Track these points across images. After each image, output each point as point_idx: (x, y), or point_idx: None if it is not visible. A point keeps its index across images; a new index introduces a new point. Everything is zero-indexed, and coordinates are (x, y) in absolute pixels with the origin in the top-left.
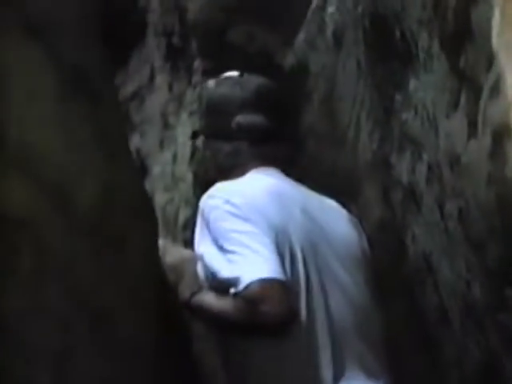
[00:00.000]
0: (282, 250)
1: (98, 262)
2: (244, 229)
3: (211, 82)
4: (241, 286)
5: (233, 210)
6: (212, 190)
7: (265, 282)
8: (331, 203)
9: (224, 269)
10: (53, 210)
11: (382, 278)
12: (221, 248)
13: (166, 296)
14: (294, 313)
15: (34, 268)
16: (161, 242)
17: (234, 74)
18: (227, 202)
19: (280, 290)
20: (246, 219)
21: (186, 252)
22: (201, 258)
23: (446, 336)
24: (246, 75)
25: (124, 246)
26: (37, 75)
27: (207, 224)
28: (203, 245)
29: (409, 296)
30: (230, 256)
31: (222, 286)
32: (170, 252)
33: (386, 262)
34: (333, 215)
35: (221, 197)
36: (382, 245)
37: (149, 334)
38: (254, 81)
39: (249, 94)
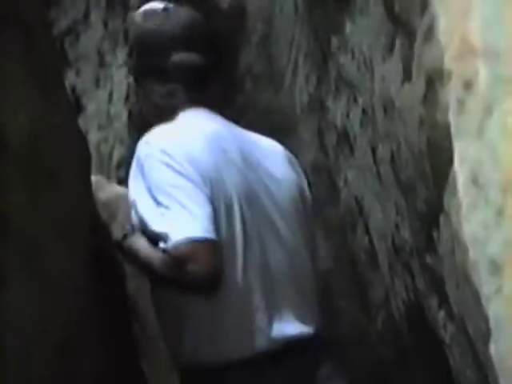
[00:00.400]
0: (217, 203)
1: (31, 197)
2: (177, 183)
3: (138, 15)
4: (170, 243)
5: (168, 160)
6: (149, 136)
7: (193, 242)
8: (269, 143)
9: (155, 222)
10: None
11: (314, 220)
12: (154, 198)
13: (98, 231)
14: (220, 272)
15: None
16: (94, 178)
17: (160, 5)
18: (163, 151)
19: (209, 249)
20: (180, 172)
21: (120, 190)
22: (133, 203)
23: (374, 277)
24: (172, 7)
25: (56, 182)
26: None
27: (142, 171)
28: (137, 191)
29: (340, 238)
30: (161, 209)
31: (151, 236)
32: (104, 188)
33: (318, 204)
34: (271, 156)
35: (157, 145)
36: (314, 187)
37: (81, 268)
38: (184, 15)
39: (179, 30)
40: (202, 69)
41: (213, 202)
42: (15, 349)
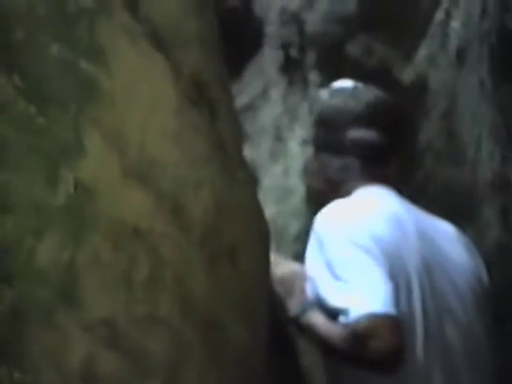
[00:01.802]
0: (397, 278)
1: (210, 273)
2: (358, 257)
3: (325, 92)
4: (351, 318)
5: (348, 236)
6: (327, 212)
7: (376, 317)
8: (446, 226)
9: (334, 296)
10: (168, 221)
11: (497, 303)
12: (333, 273)
13: (274, 309)
14: (403, 350)
15: (149, 278)
16: (272, 255)
17: (349, 83)
18: (343, 227)
19: (391, 325)
20: (361, 247)
21: (297, 266)
22: (311, 279)
23: None
24: (361, 86)
25: (235, 258)
26: (160, 86)
27: (320, 246)
28: (314, 266)
29: None
30: (341, 284)
31: (329, 312)
32: (281, 265)
33: (504, 287)
34: (448, 239)
35: (336, 221)
36: (499, 269)
37: (258, 346)
38: (370, 93)
39: (363, 107)
40: (380, 145)
41: (393, 277)
42: None
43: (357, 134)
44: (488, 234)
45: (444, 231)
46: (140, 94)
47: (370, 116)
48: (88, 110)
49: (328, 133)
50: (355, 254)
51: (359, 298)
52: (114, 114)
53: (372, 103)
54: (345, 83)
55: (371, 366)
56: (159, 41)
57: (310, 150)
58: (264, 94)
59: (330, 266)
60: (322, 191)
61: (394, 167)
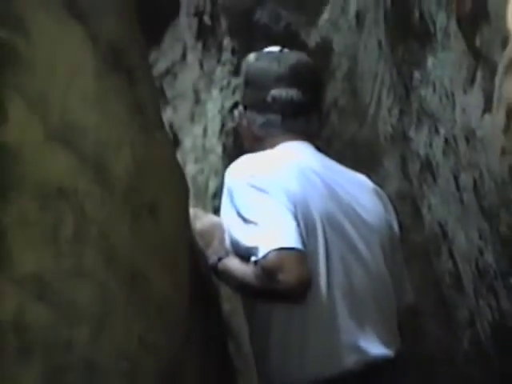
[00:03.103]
0: (302, 221)
1: (133, 228)
2: (265, 202)
3: (252, 56)
4: (260, 255)
5: (255, 184)
6: (237, 164)
7: (282, 252)
8: (357, 176)
9: (245, 238)
10: (91, 180)
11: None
12: (243, 218)
13: (196, 259)
14: (310, 281)
15: (74, 234)
16: (192, 209)
17: (275, 49)
18: (251, 176)
19: (297, 258)
20: (267, 193)
21: (215, 219)
22: (226, 227)
23: (459, 299)
24: (286, 50)
25: (156, 213)
26: (79, 53)
27: (231, 196)
28: (228, 216)
29: (425, 261)
30: (251, 226)
31: (243, 253)
32: (201, 219)
33: (404, 230)
34: (358, 188)
35: (245, 172)
36: (399, 214)
37: (181, 294)
38: (293, 56)
39: (285, 69)
40: (300, 103)
41: (298, 220)
42: (118, 373)
43: (279, 92)
44: (389, 182)
45: (355, 181)
46: (60, 61)
47: (291, 77)
48: (9, 77)
49: (253, 92)
50: (262, 198)
51: (267, 237)
52: (35, 80)
53: (293, 65)
54: (272, 48)
55: (282, 299)
56: (77, 10)
57: (226, 112)
58: (182, 59)
59: (239, 213)
60: (250, 146)
61: (313, 123)
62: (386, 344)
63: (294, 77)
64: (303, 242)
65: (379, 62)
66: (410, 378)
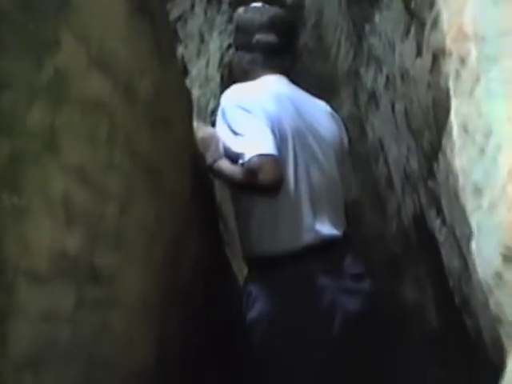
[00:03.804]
0: (276, 134)
1: (151, 136)
2: (249, 119)
3: (241, 9)
4: (245, 159)
5: (242, 105)
6: (229, 91)
7: (262, 157)
8: (319, 102)
9: (234, 146)
10: (121, 98)
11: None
12: (232, 131)
13: (197, 160)
14: (282, 180)
15: (107, 137)
16: (195, 123)
17: (259, 4)
18: (239, 100)
19: (273, 162)
20: (250, 112)
21: (212, 130)
22: (220, 137)
23: (391, 195)
24: (266, 6)
25: (169, 125)
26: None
27: (224, 115)
28: (221, 129)
29: (367, 167)
30: (238, 137)
31: (233, 157)
32: (201, 129)
33: (352, 144)
34: (319, 112)
35: (235, 97)
36: (350, 132)
37: (185, 186)
38: (271, 10)
39: (266, 19)
40: (277, 45)
41: (274, 133)
42: (140, 241)
43: (260, 37)
44: (343, 108)
45: (317, 106)
46: (100, 5)
47: (270, 25)
48: (63, 18)
49: (242, 36)
50: (247, 116)
51: (251, 145)
52: (81, 19)
53: (272, 16)
54: (256, 4)
55: (260, 192)
56: None
57: (224, 50)
58: (191, 9)
59: (230, 127)
60: (236, 78)
61: (287, 62)
62: (335, 227)
63: (272, 25)
64: (278, 150)
65: (339, 16)
66: (351, 252)
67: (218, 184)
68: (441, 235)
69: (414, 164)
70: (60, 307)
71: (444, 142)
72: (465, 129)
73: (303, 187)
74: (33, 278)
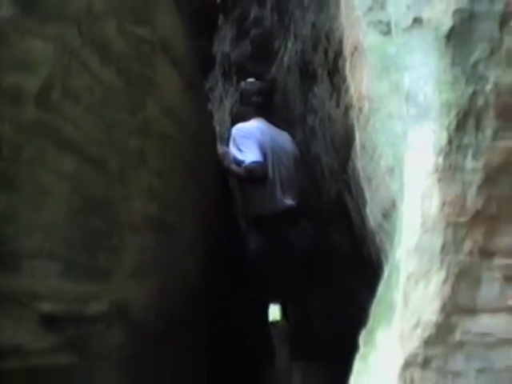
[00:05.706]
0: (262, 150)
1: (199, 153)
2: (247, 141)
3: (243, 83)
4: (246, 164)
5: (242, 134)
6: (235, 127)
7: (256, 162)
8: (284, 133)
9: (239, 156)
10: (180, 131)
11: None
12: (238, 149)
13: (219, 165)
14: (266, 174)
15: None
16: (218, 145)
17: (252, 79)
18: (241, 131)
19: (261, 165)
20: (247, 138)
21: (227, 148)
22: (231, 152)
23: (324, 184)
24: (256, 81)
25: (208, 145)
26: None
27: (233, 140)
28: (232, 148)
29: (310, 170)
30: (242, 152)
31: (238, 163)
32: (221, 148)
33: (302, 156)
34: (284, 138)
35: (238, 129)
36: (301, 149)
37: (214, 180)
38: (259, 83)
39: (256, 88)
40: (262, 103)
41: (262, 150)
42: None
43: (253, 98)
44: (297, 136)
45: (283, 134)
46: (168, 82)
47: (258, 92)
48: (149, 87)
49: (243, 98)
50: (246, 141)
51: (248, 156)
52: (159, 90)
53: (259, 87)
54: (251, 80)
55: (255, 182)
56: None
57: (233, 105)
58: (216, 83)
59: (237, 147)
60: (239, 118)
61: (267, 112)
62: (293, 200)
63: (259, 92)
64: (264, 159)
65: (295, 86)
66: (301, 214)
67: (230, 178)
68: (350, 204)
69: (335, 166)
70: None
71: (352, 153)
72: (363, 146)
73: (277, 178)
74: None
